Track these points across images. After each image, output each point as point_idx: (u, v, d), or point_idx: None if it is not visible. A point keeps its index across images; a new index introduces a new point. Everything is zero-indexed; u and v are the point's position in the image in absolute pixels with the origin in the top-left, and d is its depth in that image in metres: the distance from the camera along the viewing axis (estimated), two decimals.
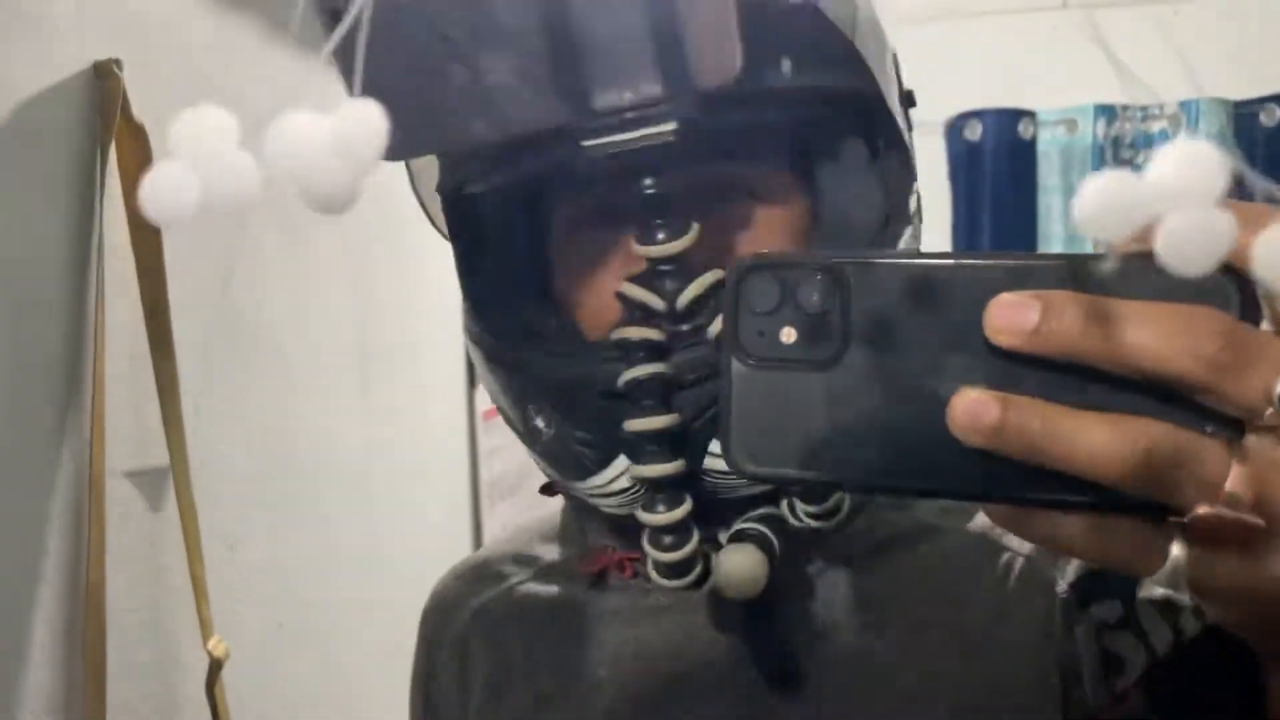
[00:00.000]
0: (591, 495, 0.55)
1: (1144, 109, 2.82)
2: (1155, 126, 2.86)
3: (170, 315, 0.83)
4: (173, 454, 0.84)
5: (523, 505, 1.73)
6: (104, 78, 0.77)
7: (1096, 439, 0.27)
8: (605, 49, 0.43)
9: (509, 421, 0.59)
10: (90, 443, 0.75)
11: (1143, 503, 0.28)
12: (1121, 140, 2.88)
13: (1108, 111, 2.83)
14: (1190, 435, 0.27)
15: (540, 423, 0.55)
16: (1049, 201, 2.90)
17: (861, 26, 0.53)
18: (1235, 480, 0.28)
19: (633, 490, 0.53)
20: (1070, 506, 0.29)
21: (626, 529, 0.62)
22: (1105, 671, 0.55)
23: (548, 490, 0.64)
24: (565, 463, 0.55)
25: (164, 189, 0.20)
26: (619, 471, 0.52)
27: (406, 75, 0.43)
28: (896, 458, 0.31)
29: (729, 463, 0.32)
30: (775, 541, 0.53)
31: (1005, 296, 0.28)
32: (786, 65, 0.49)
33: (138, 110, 0.78)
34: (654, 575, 0.53)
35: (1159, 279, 0.27)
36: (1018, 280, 0.29)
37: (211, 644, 0.86)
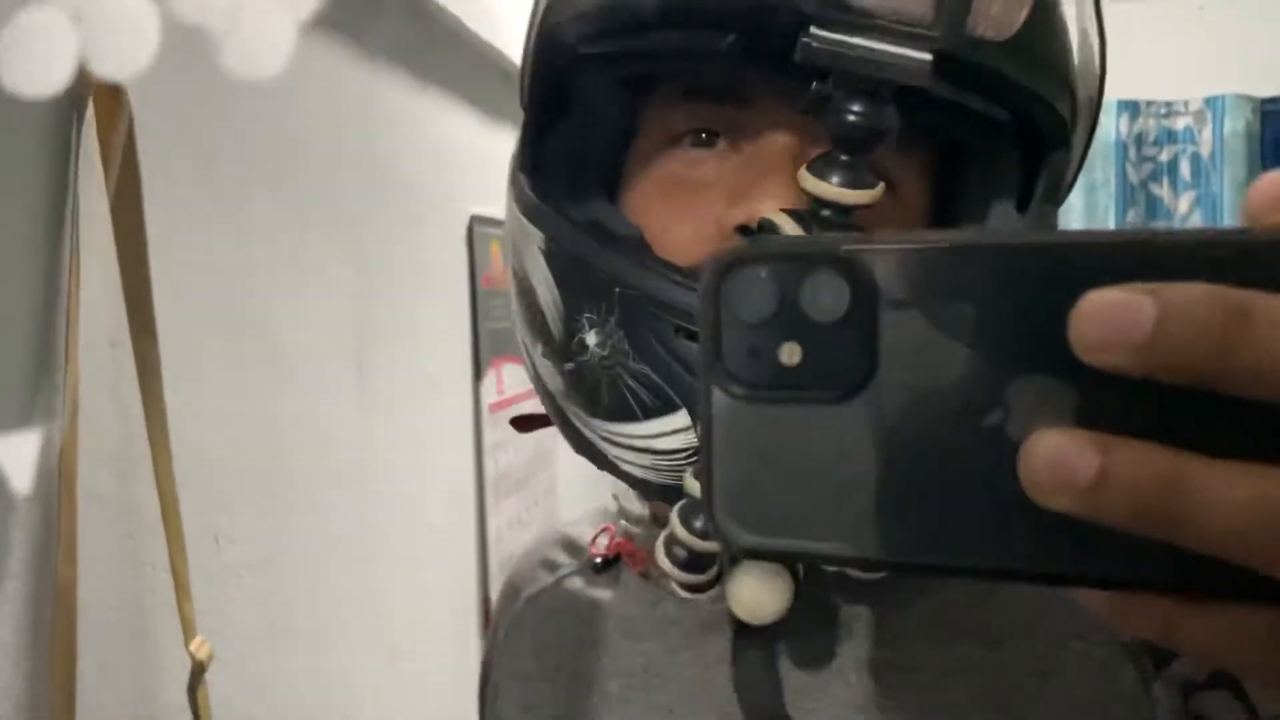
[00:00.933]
0: (617, 443, 0.48)
1: (1168, 105, 2.76)
2: (1179, 123, 2.80)
3: (153, 293, 0.77)
4: (154, 442, 0.78)
5: (529, 501, 1.68)
6: None
7: (1241, 500, 0.19)
8: None
9: (535, 327, 0.50)
10: (62, 428, 0.69)
11: None
12: (1145, 137, 2.83)
13: (1131, 107, 2.78)
14: None
15: (592, 339, 0.46)
16: (1070, 199, 2.85)
17: (1084, 63, 0.49)
18: None
19: (685, 455, 0.45)
20: (1198, 590, 0.21)
21: (652, 525, 0.57)
22: None
23: (524, 424, 0.58)
24: (602, 395, 0.47)
25: (34, 46, 0.14)
26: (674, 428, 0.45)
27: None
28: (943, 526, 0.22)
29: (713, 531, 0.24)
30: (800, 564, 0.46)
31: (1102, 295, 0.20)
32: (1028, 56, 0.42)
33: None
34: (662, 560, 0.47)
35: None
36: (1118, 268, 0.20)
37: (194, 645, 0.81)
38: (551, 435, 1.69)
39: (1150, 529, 0.20)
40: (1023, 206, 0.50)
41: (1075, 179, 0.53)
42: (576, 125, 0.53)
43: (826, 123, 0.41)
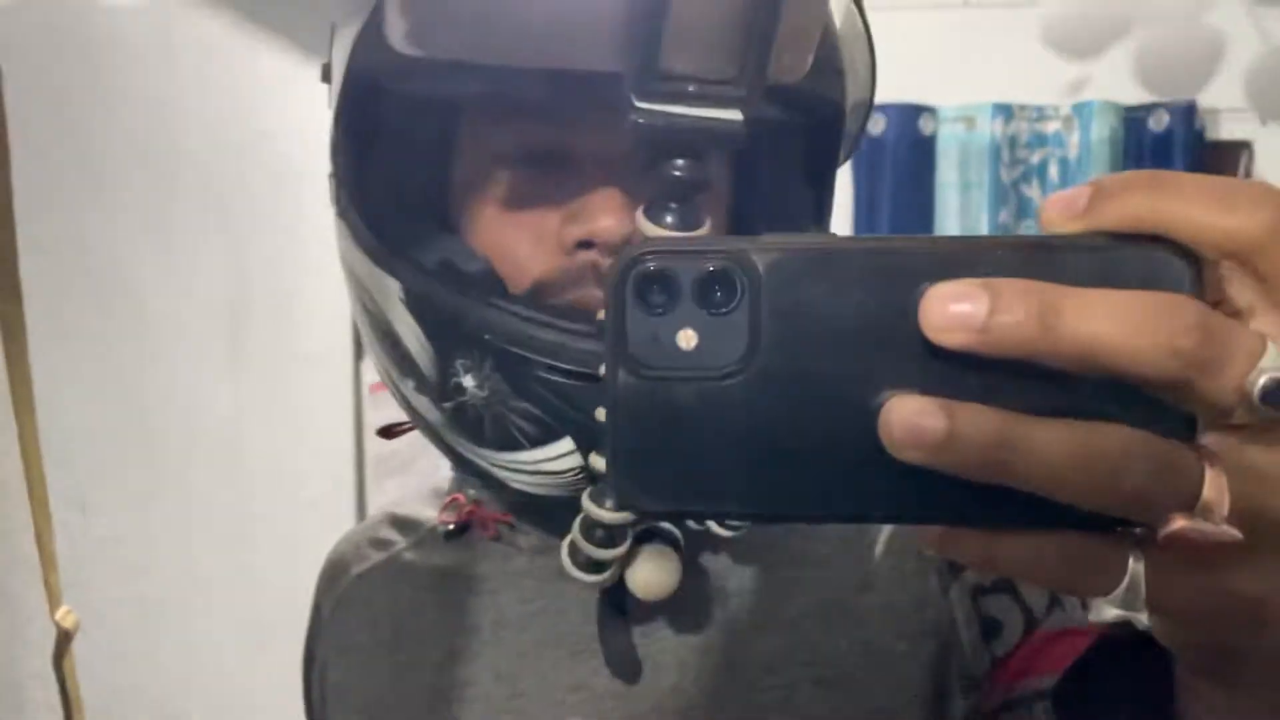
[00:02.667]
0: (507, 468, 0.51)
1: (1039, 109, 2.89)
2: (1050, 127, 2.93)
3: (18, 256, 0.76)
4: (18, 409, 0.77)
5: (415, 481, 1.68)
6: None
7: (1061, 449, 0.23)
8: (692, 13, 0.39)
9: (404, 367, 0.53)
10: None
11: (1103, 518, 0.24)
12: (1017, 139, 2.95)
13: (1005, 110, 2.89)
14: (1165, 441, 0.24)
15: (470, 381, 0.49)
16: (946, 197, 2.95)
17: (847, 28, 0.52)
18: (1208, 485, 0.24)
19: (577, 474, 0.49)
20: (1022, 525, 0.25)
21: (500, 490, 0.58)
22: (984, 636, 0.54)
23: (388, 433, 0.60)
24: (485, 430, 0.50)
25: None
26: (560, 452, 0.48)
27: None
28: (818, 481, 0.26)
29: (616, 498, 0.27)
30: (682, 541, 0.50)
31: (944, 287, 0.24)
32: (814, 72, 0.46)
33: None
34: (566, 563, 0.50)
35: (1105, 261, 0.24)
36: (955, 266, 0.25)
37: (60, 614, 0.80)
38: None
39: (987, 475, 0.24)
40: (813, 161, 0.56)
41: (863, 129, 0.58)
42: (392, 151, 0.55)
43: (655, 176, 0.45)
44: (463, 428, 0.51)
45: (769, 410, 0.26)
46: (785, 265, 0.26)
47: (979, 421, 0.24)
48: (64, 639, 0.80)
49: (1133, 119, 2.87)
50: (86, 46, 0.85)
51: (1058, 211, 0.25)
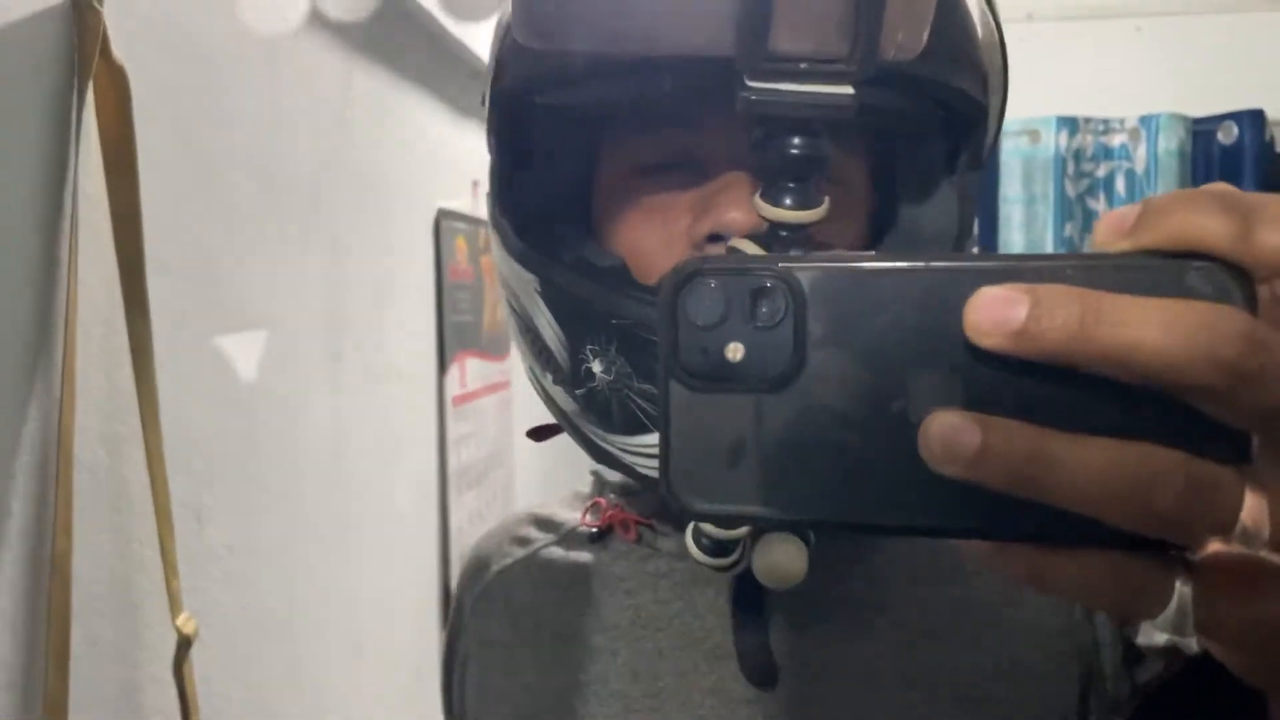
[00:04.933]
0: (633, 452, 0.53)
1: (1105, 122, 2.86)
2: (1115, 140, 2.90)
3: (146, 270, 0.78)
4: (145, 419, 0.79)
5: (487, 496, 1.69)
6: (83, 13, 0.72)
7: (1092, 467, 0.24)
8: None
9: (543, 360, 0.56)
10: (60, 402, 0.71)
11: (1144, 539, 0.24)
12: (1083, 152, 2.92)
13: (1070, 123, 2.87)
14: (1202, 463, 0.24)
15: (598, 366, 0.51)
16: (1010, 211, 2.93)
17: (986, 37, 0.52)
18: (1250, 511, 0.24)
19: None
20: (1060, 543, 0.26)
21: (640, 493, 0.60)
22: (1126, 661, 0.54)
23: (540, 435, 0.62)
24: (613, 414, 0.52)
25: None
26: None
27: None
28: (860, 492, 0.27)
29: (668, 500, 0.28)
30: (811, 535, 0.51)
31: (989, 291, 0.25)
32: (937, 56, 0.46)
33: (118, 51, 0.74)
34: (692, 548, 0.52)
35: (1150, 276, 0.24)
36: (996, 281, 0.25)
37: (181, 620, 0.82)
38: (508, 432, 1.71)
39: (1021, 489, 0.24)
40: (951, 170, 0.56)
41: (996, 140, 0.58)
42: (541, 166, 0.59)
43: (771, 156, 0.47)
44: (594, 414, 0.54)
45: (813, 421, 0.27)
46: (829, 282, 0.27)
47: (1012, 437, 0.24)
48: (184, 645, 0.82)
49: (1201, 131, 2.83)
50: (203, 69, 0.88)
51: (1107, 230, 0.26)
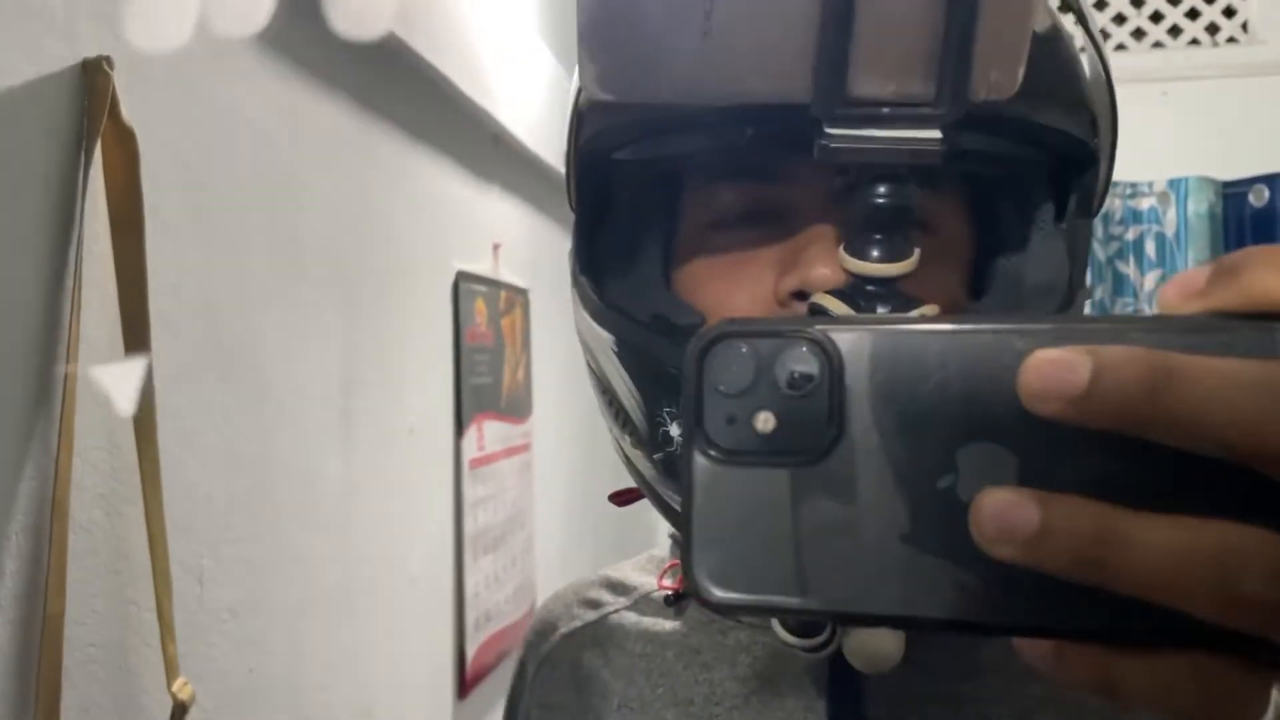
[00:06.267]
0: None
1: (1133, 185, 2.84)
2: (1144, 204, 2.88)
3: (150, 330, 0.78)
4: (145, 478, 0.78)
5: (505, 560, 1.67)
6: (93, 75, 0.73)
7: (1168, 548, 0.21)
8: (879, 30, 0.37)
9: (620, 421, 0.53)
10: (56, 460, 0.70)
11: (1233, 634, 0.21)
12: (1111, 216, 2.90)
13: None
14: None
15: (675, 430, 0.49)
16: None
17: (1093, 74, 0.50)
18: None
19: None
20: (1133, 640, 0.22)
21: None
22: None
23: (622, 499, 0.61)
24: None
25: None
26: None
27: (648, 16, 0.39)
28: (903, 580, 0.24)
29: (689, 587, 0.25)
30: None
31: (1046, 353, 0.22)
32: (1036, 95, 0.43)
33: (128, 113, 0.75)
34: (776, 626, 0.49)
35: (1221, 339, 0.22)
36: (1050, 344, 0.23)
37: (177, 686, 0.80)
38: (529, 496, 1.69)
39: (1085, 574, 0.22)
40: (1059, 216, 0.53)
41: (1109, 183, 0.54)
42: (623, 220, 0.57)
43: (854, 206, 0.44)
44: (672, 478, 0.51)
45: (852, 501, 0.24)
46: (869, 347, 0.25)
47: (1075, 514, 0.22)
48: (180, 711, 0.81)
49: (1232, 194, 2.81)
50: (218, 129, 0.88)
51: (1175, 291, 0.24)
